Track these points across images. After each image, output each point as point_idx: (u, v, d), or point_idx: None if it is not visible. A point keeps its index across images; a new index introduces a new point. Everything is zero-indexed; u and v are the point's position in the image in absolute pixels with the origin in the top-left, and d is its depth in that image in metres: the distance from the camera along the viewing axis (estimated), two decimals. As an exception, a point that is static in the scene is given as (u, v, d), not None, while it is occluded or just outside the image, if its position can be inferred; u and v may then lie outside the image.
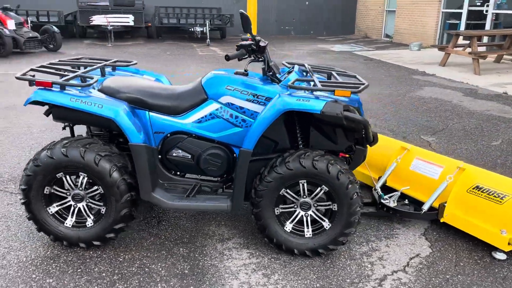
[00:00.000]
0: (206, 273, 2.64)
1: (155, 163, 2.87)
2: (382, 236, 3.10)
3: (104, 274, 2.59)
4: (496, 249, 2.86)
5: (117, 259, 2.75)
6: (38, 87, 2.60)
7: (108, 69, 3.38)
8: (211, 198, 2.83)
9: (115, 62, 3.36)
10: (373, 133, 2.86)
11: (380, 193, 3.28)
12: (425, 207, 3.10)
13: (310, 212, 2.79)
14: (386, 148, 3.65)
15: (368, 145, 2.99)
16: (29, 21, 13.26)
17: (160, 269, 2.68)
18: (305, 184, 2.71)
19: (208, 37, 14.81)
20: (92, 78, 2.71)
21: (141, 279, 2.57)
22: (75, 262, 2.69)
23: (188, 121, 2.90)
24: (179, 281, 2.56)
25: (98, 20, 14.21)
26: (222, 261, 2.76)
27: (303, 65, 3.26)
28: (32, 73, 2.73)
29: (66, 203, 2.76)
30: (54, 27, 12.30)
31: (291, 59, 12.00)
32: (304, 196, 2.76)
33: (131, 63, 3.43)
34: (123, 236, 3.00)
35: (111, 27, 13.85)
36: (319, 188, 2.70)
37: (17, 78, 2.64)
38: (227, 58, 2.69)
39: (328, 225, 2.76)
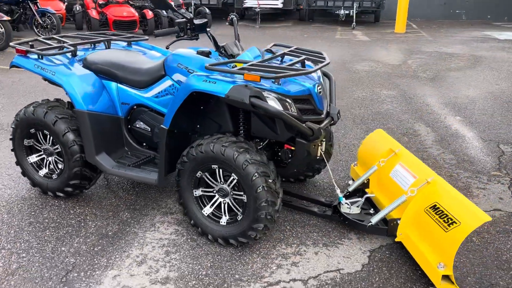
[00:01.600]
0: (122, 239, 2.80)
1: (114, 130, 3.11)
2: (321, 242, 2.76)
3: (46, 221, 2.98)
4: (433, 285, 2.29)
5: (69, 210, 3.12)
6: (18, 54, 3.08)
7: (123, 44, 3.74)
8: (145, 170, 2.95)
9: (129, 37, 3.69)
10: (311, 126, 2.55)
11: (340, 195, 2.89)
12: (373, 220, 2.63)
13: (227, 200, 2.68)
14: (378, 148, 3.16)
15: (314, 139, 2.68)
16: (192, 3, 14.82)
17: (93, 226, 2.94)
18: (220, 170, 2.61)
19: (354, 20, 14.25)
20: (69, 48, 3.08)
21: (69, 230, 2.88)
22: (36, 206, 3.15)
23: (148, 95, 3.05)
24: (95, 240, 2.78)
25: (250, 2, 15.04)
26: (145, 232, 2.88)
27: (290, 47, 3.07)
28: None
29: (41, 155, 3.24)
30: (206, 8, 13.52)
31: (440, 46, 10.73)
32: (222, 182, 2.65)
33: (143, 38, 3.72)
34: (92, 192, 3.36)
35: (259, 9, 14.50)
36: (232, 176, 2.57)
37: (10, 46, 3.17)
38: (155, 35, 2.73)
39: (240, 216, 2.61)
